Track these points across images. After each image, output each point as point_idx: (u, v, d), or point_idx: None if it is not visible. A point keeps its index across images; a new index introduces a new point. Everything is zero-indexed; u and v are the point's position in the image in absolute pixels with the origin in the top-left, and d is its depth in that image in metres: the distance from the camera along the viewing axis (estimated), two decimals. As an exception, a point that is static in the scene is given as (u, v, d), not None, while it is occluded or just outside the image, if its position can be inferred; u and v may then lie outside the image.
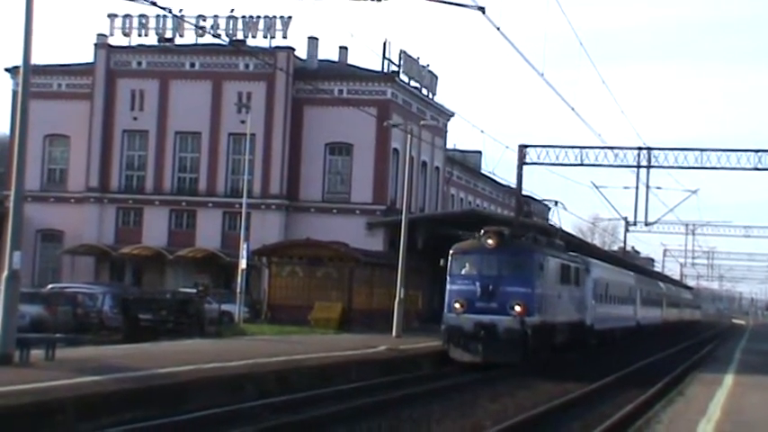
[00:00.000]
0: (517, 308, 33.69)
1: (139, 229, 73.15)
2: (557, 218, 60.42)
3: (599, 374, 32.16)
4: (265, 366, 25.15)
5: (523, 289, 34.24)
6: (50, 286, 52.32)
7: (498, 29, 30.18)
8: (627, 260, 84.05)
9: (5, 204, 62.56)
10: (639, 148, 51.90)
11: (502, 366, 32.65)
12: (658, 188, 67.21)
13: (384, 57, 71.16)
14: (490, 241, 34.92)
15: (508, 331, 33.41)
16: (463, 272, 35.06)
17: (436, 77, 79.00)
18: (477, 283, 34.30)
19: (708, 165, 50.92)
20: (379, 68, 71.60)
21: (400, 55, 72.21)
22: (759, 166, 50.08)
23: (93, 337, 35.47)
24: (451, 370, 33.12)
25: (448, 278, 35.33)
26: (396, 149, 70.91)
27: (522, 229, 40.08)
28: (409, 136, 50.14)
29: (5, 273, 21.75)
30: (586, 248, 57.69)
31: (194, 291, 46.89)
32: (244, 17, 71.00)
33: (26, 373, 19.84)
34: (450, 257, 35.60)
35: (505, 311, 33.79)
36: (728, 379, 30.67)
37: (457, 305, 34.35)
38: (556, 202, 53.61)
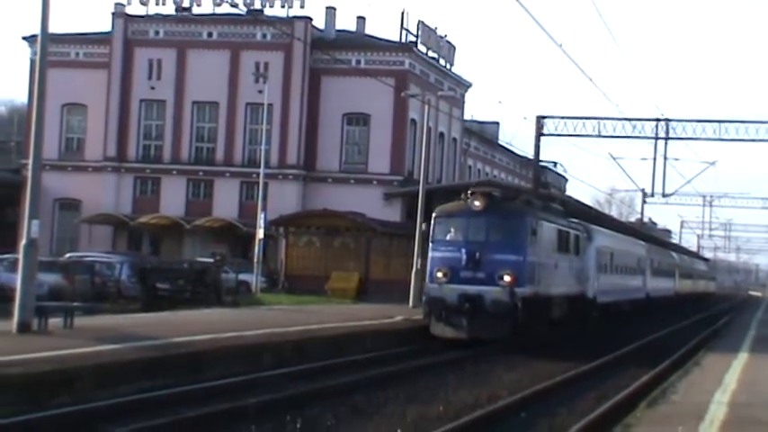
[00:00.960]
0: (506, 278, 30.25)
1: (157, 199, 73.31)
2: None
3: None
4: (282, 336, 25.24)
5: (513, 257, 30.77)
6: (68, 255, 52.51)
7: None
8: (637, 229, 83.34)
9: (24, 173, 62.82)
10: (657, 120, 51.85)
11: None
12: (676, 159, 66.94)
13: (402, 27, 71.06)
14: (477, 203, 31.35)
15: (496, 303, 29.99)
16: (447, 237, 31.66)
17: (454, 48, 78.80)
18: (463, 250, 30.77)
19: (726, 136, 50.85)
20: (397, 39, 71.49)
21: (418, 25, 72.08)
22: (777, 138, 49.97)
23: (111, 305, 35.64)
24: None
25: (430, 244, 32.26)
26: (413, 120, 70.82)
27: (515, 190, 36.60)
28: (427, 107, 50.09)
29: (24, 241, 21.87)
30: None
31: (211, 260, 47.05)
32: (261, -14, 70.86)
33: (45, 341, 19.97)
34: (432, 221, 32.45)
35: (493, 281, 30.34)
36: (744, 350, 30.69)
37: (439, 274, 30.90)
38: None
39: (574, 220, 41.40)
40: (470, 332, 30.05)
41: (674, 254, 79.98)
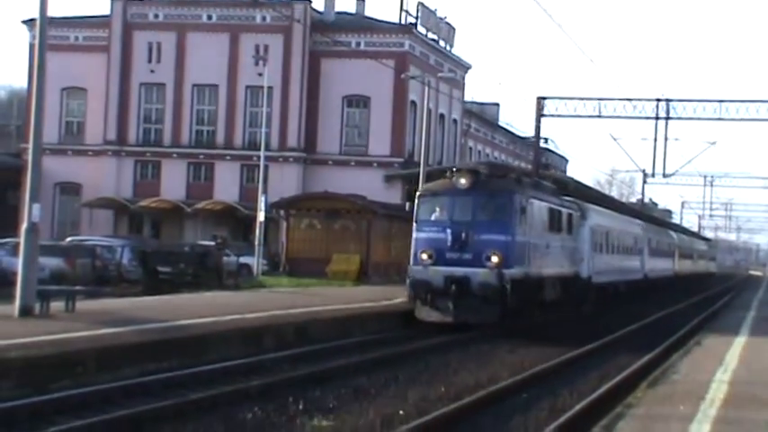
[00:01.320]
0: (494, 258, 28.89)
1: (157, 182, 73.29)
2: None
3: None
4: (283, 318, 25.28)
5: (502, 237, 29.41)
6: (69, 239, 52.55)
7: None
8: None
9: (24, 157, 62.76)
10: (658, 100, 51.80)
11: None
12: (676, 140, 66.88)
13: (401, 8, 71.03)
14: (463, 180, 29.91)
15: (483, 286, 28.61)
16: (432, 217, 30.25)
17: (454, 29, 78.71)
18: (448, 230, 29.38)
19: (726, 116, 50.81)
20: (397, 20, 71.41)
21: (417, 7, 72.00)
22: (778, 118, 49.96)
23: (113, 289, 35.66)
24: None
25: (414, 224, 30.69)
26: (413, 102, 70.75)
27: (503, 168, 35.51)
28: (427, 88, 50.12)
29: (25, 225, 21.89)
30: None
31: (213, 243, 47.08)
32: (260, -31, 70.74)
33: (47, 324, 20.00)
34: (416, 200, 31.12)
35: (480, 263, 28.96)
36: (745, 329, 30.77)
37: (424, 256, 29.51)
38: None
39: (568, 198, 40.23)
40: (457, 316, 28.79)
41: (673, 233, 78.63)
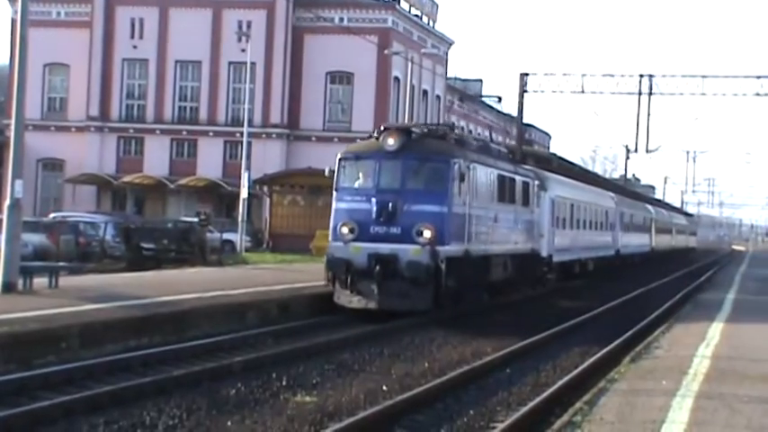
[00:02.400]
0: (426, 233, 24.86)
1: (140, 159, 73.21)
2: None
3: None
4: (267, 294, 25.30)
5: (435, 207, 25.31)
6: (52, 215, 52.46)
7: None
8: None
9: (6, 133, 62.58)
10: (641, 76, 51.92)
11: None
12: (659, 115, 67.06)
13: (385, -16, 70.85)
14: (391, 141, 25.76)
15: (413, 265, 24.58)
16: (355, 184, 26.22)
17: (437, 5, 78.77)
18: (373, 200, 25.31)
19: (709, 92, 50.96)
20: (380, -4, 71.33)
21: (401, -18, 71.90)
22: (760, 92, 50.12)
23: (96, 265, 35.63)
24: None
25: (334, 193, 26.66)
26: (397, 78, 70.74)
27: (442, 127, 29.62)
28: (410, 64, 50.05)
29: (7, 201, 21.86)
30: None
31: (196, 220, 47.03)
32: (243, -56, 70.55)
33: (30, 300, 20.00)
34: (337, 164, 26.83)
35: (411, 239, 24.94)
36: (727, 304, 30.88)
37: (345, 230, 25.51)
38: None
39: (526, 166, 36.92)
40: (382, 302, 24.75)
41: (650, 207, 74.18)
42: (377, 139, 26.43)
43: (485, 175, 28.54)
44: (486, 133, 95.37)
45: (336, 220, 26.07)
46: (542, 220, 35.73)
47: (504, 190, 30.62)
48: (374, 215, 25.21)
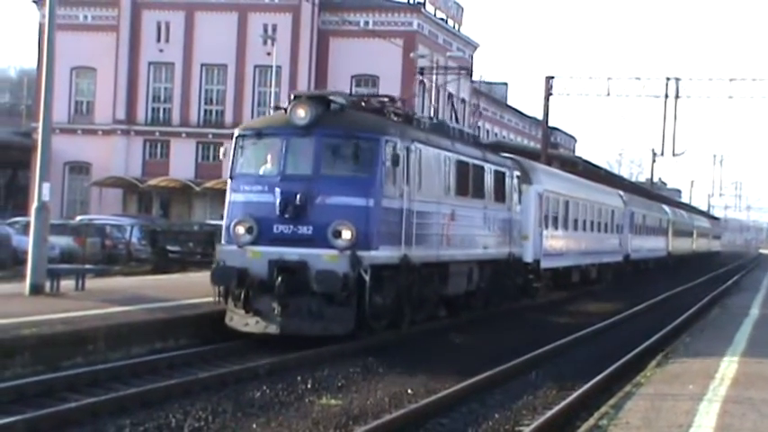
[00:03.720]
0: (345, 234, 19.09)
1: (166, 162, 73.45)
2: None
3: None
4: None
5: (359, 200, 19.47)
6: (79, 218, 52.68)
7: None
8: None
9: (34, 137, 62.85)
10: (667, 79, 51.80)
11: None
12: (686, 119, 66.81)
13: (410, -13, 70.89)
14: (302, 113, 19.86)
15: (325, 277, 18.70)
16: (256, 170, 20.42)
17: (462, 9, 78.67)
18: (277, 191, 19.45)
19: (736, 95, 50.81)
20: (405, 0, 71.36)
21: (426, -15, 71.92)
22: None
23: (122, 268, 35.78)
24: None
25: (229, 182, 20.72)
26: (422, 81, 70.70)
27: (374, 99, 23.34)
28: (435, 68, 49.98)
29: (35, 204, 21.94)
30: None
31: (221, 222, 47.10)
32: (269, -52, 70.72)
33: (57, 302, 20.06)
34: (233, 143, 20.96)
35: (325, 241, 19.14)
36: (755, 309, 30.63)
37: (240, 230, 19.81)
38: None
39: (504, 154, 30.89)
40: (286, 325, 19.02)
41: (666, 208, 68.46)
42: (285, 111, 20.49)
43: (437, 161, 22.66)
44: (512, 136, 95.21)
45: (230, 218, 20.14)
46: (526, 218, 30.45)
47: (467, 181, 24.69)
48: (278, 210, 19.38)
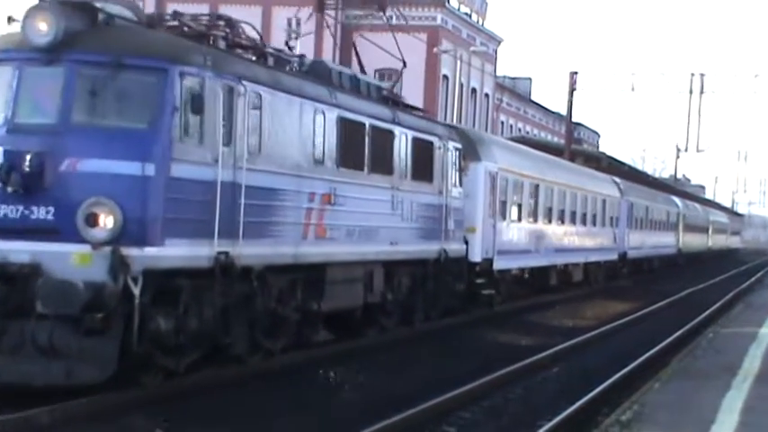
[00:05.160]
0: (104, 220, 12.19)
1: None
2: None
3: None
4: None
5: (128, 164, 12.48)
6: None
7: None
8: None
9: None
10: (692, 74, 51.73)
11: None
12: (711, 114, 66.63)
13: (434, -18, 70.84)
14: (42, 26, 12.65)
15: (55, 291, 11.89)
16: None
17: (486, 3, 78.61)
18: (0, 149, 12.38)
19: (761, 90, 50.68)
20: (429, -6, 71.36)
21: (450, -20, 71.88)
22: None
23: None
24: None
25: None
26: (445, 76, 70.68)
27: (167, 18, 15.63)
28: (459, 62, 50.02)
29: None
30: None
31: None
32: (293, -58, 70.87)
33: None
34: None
35: (73, 231, 12.14)
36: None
37: None
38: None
39: (436, 120, 26.22)
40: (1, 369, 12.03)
41: (676, 200, 61.78)
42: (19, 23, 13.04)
43: (298, 116, 15.77)
44: (536, 132, 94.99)
45: None
46: (472, 206, 24.08)
47: (360, 149, 17.85)
48: None
